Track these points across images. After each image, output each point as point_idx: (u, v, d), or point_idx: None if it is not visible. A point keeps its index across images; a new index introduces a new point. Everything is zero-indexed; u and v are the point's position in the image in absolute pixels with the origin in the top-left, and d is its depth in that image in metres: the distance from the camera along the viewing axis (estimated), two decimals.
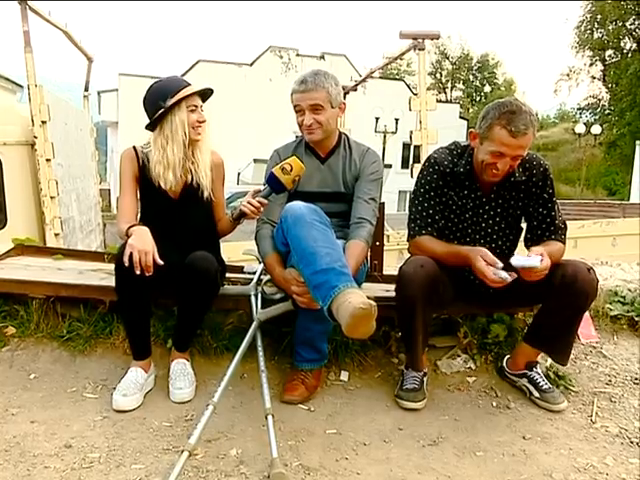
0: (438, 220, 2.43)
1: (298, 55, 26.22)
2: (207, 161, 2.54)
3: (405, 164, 26.59)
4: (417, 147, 5.38)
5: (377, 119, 21.79)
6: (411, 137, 5.33)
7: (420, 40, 5.11)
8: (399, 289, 2.29)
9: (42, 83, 4.84)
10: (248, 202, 2.39)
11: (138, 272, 2.13)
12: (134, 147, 2.55)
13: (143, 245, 2.16)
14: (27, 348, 2.67)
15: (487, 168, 2.30)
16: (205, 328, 2.65)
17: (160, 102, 2.38)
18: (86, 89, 7.13)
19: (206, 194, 2.52)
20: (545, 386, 2.48)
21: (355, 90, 7.89)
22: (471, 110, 42.65)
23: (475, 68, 44.05)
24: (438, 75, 44.80)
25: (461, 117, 29.10)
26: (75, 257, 3.13)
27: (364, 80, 7.48)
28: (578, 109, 31.74)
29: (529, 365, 2.53)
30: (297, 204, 2.31)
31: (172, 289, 2.40)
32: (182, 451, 1.81)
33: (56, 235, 4.76)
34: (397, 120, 20.70)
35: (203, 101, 2.56)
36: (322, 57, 26.36)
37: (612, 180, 28.62)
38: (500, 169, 2.26)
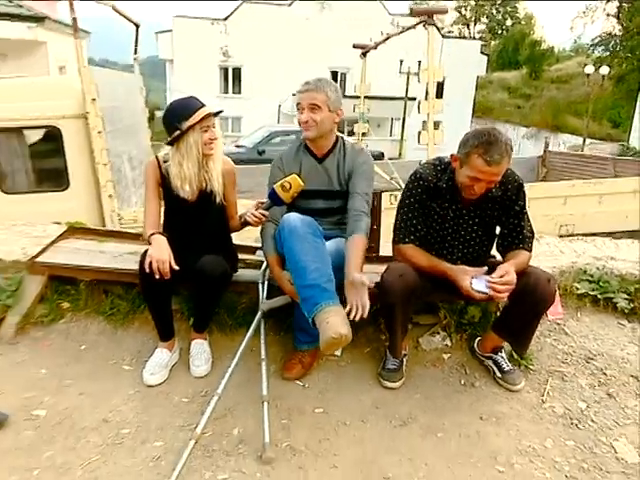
0: (420, 229, 2.42)
1: None
2: (219, 170, 2.54)
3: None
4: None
5: (401, 61, 20.89)
6: (419, 107, 5.17)
7: (429, 16, 4.84)
8: (381, 295, 2.31)
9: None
10: (252, 214, 2.43)
11: (157, 277, 2.22)
12: (157, 157, 2.56)
13: (160, 255, 2.24)
14: (79, 321, 2.82)
15: (465, 189, 2.26)
16: (222, 308, 2.74)
17: (177, 124, 2.37)
18: (135, 52, 7.01)
19: (218, 199, 2.54)
20: (507, 368, 2.52)
21: (375, 49, 7.54)
22: (493, 44, 40.46)
23: (498, 2, 41.26)
24: (463, 11, 42.24)
25: (482, 52, 27.56)
26: (116, 238, 3.21)
27: (382, 43, 7.11)
28: (591, 45, 29.70)
29: (495, 349, 2.58)
30: (293, 217, 2.32)
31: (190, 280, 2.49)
32: (190, 439, 1.96)
33: (109, 197, 4.87)
34: (419, 62, 19.89)
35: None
36: None
37: (617, 113, 27.26)
38: (476, 191, 2.22)
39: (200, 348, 2.55)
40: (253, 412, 2.22)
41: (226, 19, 24.33)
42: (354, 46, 7.89)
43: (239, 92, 25.43)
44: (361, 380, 2.53)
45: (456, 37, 34.68)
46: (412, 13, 4.87)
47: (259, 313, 2.47)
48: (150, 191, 2.54)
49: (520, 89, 29.17)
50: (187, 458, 1.90)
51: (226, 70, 25.23)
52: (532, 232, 2.42)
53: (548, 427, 2.26)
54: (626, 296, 3.01)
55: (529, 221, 2.43)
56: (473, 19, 42.79)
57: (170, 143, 2.44)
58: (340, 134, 2.70)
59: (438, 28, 27.34)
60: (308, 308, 2.09)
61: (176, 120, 2.38)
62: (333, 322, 1.96)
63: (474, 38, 37.03)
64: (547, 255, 3.39)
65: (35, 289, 2.79)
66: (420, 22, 4.96)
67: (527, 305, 2.28)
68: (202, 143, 2.41)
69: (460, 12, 41.97)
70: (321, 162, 2.59)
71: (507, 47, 35.05)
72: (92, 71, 4.80)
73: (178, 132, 2.37)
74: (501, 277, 2.14)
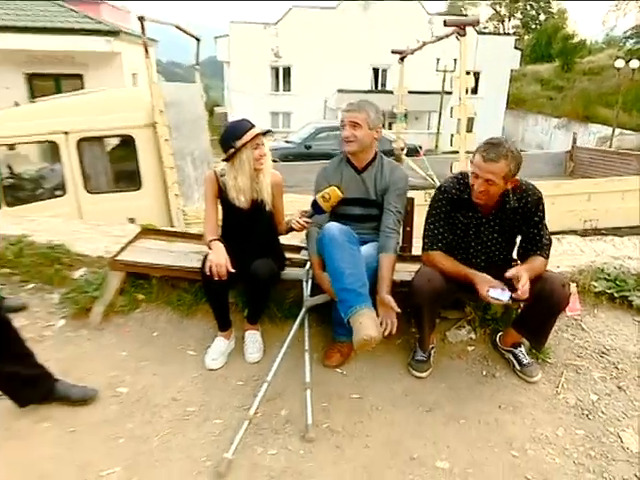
0: (447, 237, 2.45)
1: None
2: (268, 182, 2.63)
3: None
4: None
5: (438, 60, 20.34)
6: (452, 111, 5.11)
7: (461, 27, 4.75)
8: (410, 296, 2.38)
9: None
10: (297, 221, 2.52)
11: (216, 279, 2.36)
12: (215, 172, 2.68)
13: (218, 260, 2.37)
14: (151, 311, 2.97)
15: (472, 189, 2.29)
16: (271, 302, 2.84)
17: (231, 143, 2.48)
18: (197, 64, 7.19)
19: (268, 207, 2.65)
20: (525, 361, 2.55)
21: (412, 54, 7.44)
22: (526, 38, 38.79)
23: None
24: (498, 7, 40.59)
25: (516, 47, 26.52)
26: (182, 238, 3.36)
27: (418, 49, 7.00)
28: (623, 38, 28.07)
29: (515, 344, 2.60)
30: (333, 226, 2.40)
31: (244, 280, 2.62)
32: (245, 419, 2.09)
33: (175, 195, 5.09)
34: (455, 60, 19.38)
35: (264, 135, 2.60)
36: None
37: None
38: (476, 189, 2.24)
39: (253, 338, 2.68)
40: (298, 396, 2.33)
41: (277, 23, 24.33)
42: (392, 52, 7.80)
43: (289, 89, 25.45)
44: (393, 369, 2.60)
45: (491, 33, 33.50)
46: (446, 24, 4.79)
47: (304, 308, 2.58)
48: (209, 201, 2.67)
49: (552, 81, 27.92)
50: (242, 435, 2.04)
51: (277, 69, 25.26)
52: (550, 240, 2.42)
53: (561, 417, 2.28)
54: None
55: (547, 230, 2.42)
56: (507, 15, 41.10)
57: (226, 160, 2.56)
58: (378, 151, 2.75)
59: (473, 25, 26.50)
60: (344, 310, 2.18)
61: (231, 140, 2.49)
62: (365, 325, 2.05)
63: (508, 34, 35.63)
64: (568, 254, 3.36)
65: (116, 283, 2.97)
66: (452, 33, 4.88)
67: (544, 307, 2.29)
68: (253, 159, 2.51)
69: (495, 9, 40.37)
70: (360, 173, 2.65)
71: (540, 41, 33.48)
72: (160, 86, 4.98)
73: (232, 150, 2.48)
74: (522, 284, 2.14)
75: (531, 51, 33.76)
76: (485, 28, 39.76)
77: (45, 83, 12.35)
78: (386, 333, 2.20)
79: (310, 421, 2.14)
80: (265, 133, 2.58)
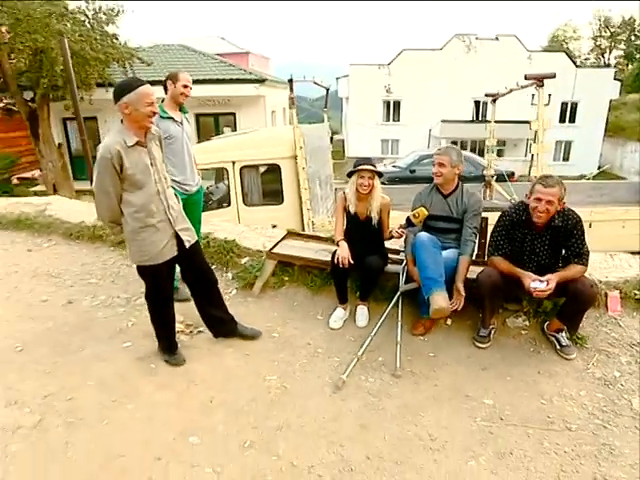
0: (506, 247, 2.95)
1: (477, 39, 24.15)
2: (378, 203, 3.31)
3: (562, 119, 23.84)
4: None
5: (533, 95, 19.68)
6: (531, 146, 5.42)
7: (540, 80, 5.09)
8: (477, 287, 2.94)
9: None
10: (396, 231, 3.19)
11: (341, 266, 3.12)
12: (344, 192, 3.43)
13: (343, 253, 3.13)
14: (292, 289, 3.76)
15: (534, 212, 2.77)
16: (377, 288, 3.50)
17: (351, 170, 3.25)
18: (325, 106, 8.14)
19: (374, 221, 3.31)
20: (565, 343, 2.95)
21: (503, 96, 7.71)
22: (630, 67, 35.34)
23: (637, 29, 35.87)
24: (597, 42, 37.53)
25: (616, 79, 24.52)
26: (315, 240, 4.18)
27: (507, 94, 7.28)
28: None
29: (557, 330, 3.00)
30: (423, 235, 3.04)
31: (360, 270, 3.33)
32: (355, 358, 2.82)
33: (308, 209, 6.00)
34: (550, 95, 18.64)
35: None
36: (496, 38, 23.98)
37: None
38: (540, 209, 2.71)
39: (362, 310, 3.39)
40: (391, 350, 2.98)
41: (389, 64, 24.98)
42: (486, 95, 8.13)
43: (398, 120, 25.91)
44: (461, 340, 3.13)
45: (591, 66, 31.20)
46: (526, 77, 5.14)
47: (398, 292, 3.25)
48: (338, 213, 3.43)
49: None
50: (352, 367, 2.77)
51: (388, 103, 25.85)
52: (587, 252, 2.81)
53: (586, 384, 2.67)
54: None
55: (585, 244, 2.82)
56: (609, 47, 37.79)
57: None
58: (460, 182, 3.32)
59: (572, 59, 25.04)
60: (426, 291, 2.82)
61: (353, 167, 3.24)
62: (437, 300, 2.69)
63: (609, 65, 32.85)
64: (617, 267, 3.61)
65: (270, 268, 3.84)
66: (532, 84, 5.20)
67: (576, 302, 2.74)
68: (360, 185, 3.20)
69: (595, 42, 37.37)
70: (445, 198, 3.25)
71: None
72: (300, 128, 5.93)
73: (349, 174, 3.25)
74: (547, 285, 2.64)
75: (634, 80, 30.76)
76: (587, 59, 36.97)
77: (207, 119, 14.29)
78: (454, 308, 2.80)
79: (399, 365, 2.81)
80: (376, 173, 3.26)
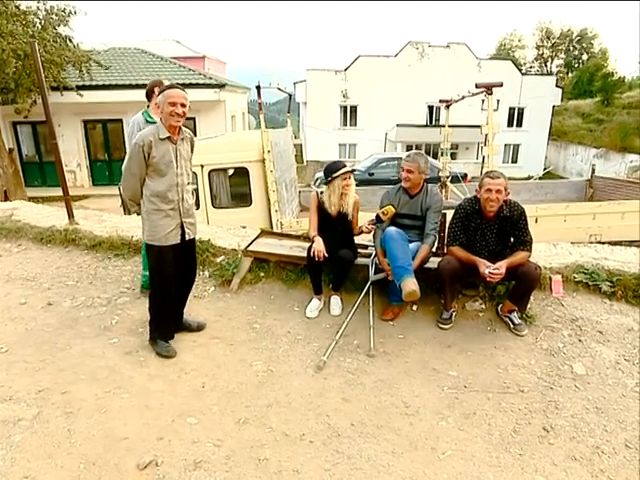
0: (461, 237, 3.34)
1: (430, 46, 25.20)
2: (351, 201, 3.62)
3: (510, 123, 25.27)
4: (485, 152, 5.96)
5: (483, 101, 20.84)
6: (482, 149, 5.91)
7: (489, 88, 5.59)
8: (437, 273, 3.30)
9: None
10: (366, 227, 3.51)
11: (316, 260, 3.39)
12: (316, 192, 3.72)
13: (319, 247, 3.40)
14: (269, 284, 3.97)
15: (486, 201, 3.15)
16: (347, 279, 3.80)
17: (331, 174, 3.53)
18: (288, 111, 8.41)
19: (349, 217, 3.64)
20: (517, 322, 3.34)
21: (456, 102, 8.27)
22: (570, 75, 37.89)
23: (575, 40, 38.54)
24: (540, 51, 40.04)
25: (557, 86, 26.27)
26: (288, 238, 4.44)
27: (460, 100, 7.82)
28: None
29: (510, 311, 3.40)
30: (392, 229, 3.36)
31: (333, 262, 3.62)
32: (333, 340, 3.10)
33: (276, 211, 6.23)
34: (498, 101, 19.84)
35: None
36: (448, 46, 25.13)
37: None
38: (492, 198, 3.10)
39: (335, 300, 3.67)
40: (365, 333, 3.28)
41: (346, 69, 25.59)
42: (440, 100, 8.67)
43: (355, 124, 26.52)
44: (427, 323, 3.48)
45: (535, 74, 33.24)
46: (477, 86, 5.62)
47: (369, 282, 3.56)
48: (312, 211, 3.70)
49: (593, 115, 27.27)
50: (331, 350, 3.05)
51: (345, 108, 26.41)
52: (531, 239, 3.22)
53: (535, 354, 3.08)
54: (609, 283, 3.63)
55: (529, 232, 3.23)
56: (551, 56, 40.36)
57: (326, 183, 3.60)
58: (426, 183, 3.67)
59: (518, 67, 26.56)
60: (397, 278, 3.15)
61: (331, 172, 3.53)
62: (409, 284, 3.01)
63: (551, 73, 35.12)
64: (559, 256, 4.10)
65: (247, 265, 4.05)
66: (481, 92, 5.69)
67: (523, 284, 3.14)
68: (341, 187, 3.53)
69: (538, 52, 39.81)
70: (411, 198, 3.59)
71: (582, 78, 32.74)
72: (268, 132, 6.16)
73: (330, 179, 3.53)
74: (495, 269, 3.03)
75: (573, 88, 33.03)
76: (531, 68, 39.25)
77: None
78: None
79: (372, 346, 3.11)
80: (352, 171, 3.58)
